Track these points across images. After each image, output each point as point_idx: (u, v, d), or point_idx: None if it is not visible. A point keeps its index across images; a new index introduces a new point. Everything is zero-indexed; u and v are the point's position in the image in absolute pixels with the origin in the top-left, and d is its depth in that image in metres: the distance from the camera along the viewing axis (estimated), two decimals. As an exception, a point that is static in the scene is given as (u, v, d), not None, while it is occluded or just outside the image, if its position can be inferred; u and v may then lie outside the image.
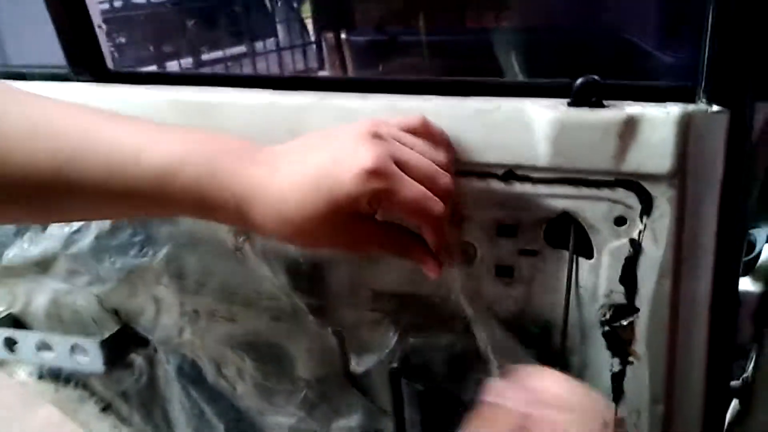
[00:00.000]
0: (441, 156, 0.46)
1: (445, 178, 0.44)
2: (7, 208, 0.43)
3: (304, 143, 0.44)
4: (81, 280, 0.70)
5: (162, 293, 0.67)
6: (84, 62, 0.63)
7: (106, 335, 0.70)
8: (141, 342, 0.73)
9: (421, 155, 0.43)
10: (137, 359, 0.77)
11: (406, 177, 0.41)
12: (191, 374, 0.74)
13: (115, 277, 0.68)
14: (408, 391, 0.56)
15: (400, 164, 0.41)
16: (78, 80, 0.65)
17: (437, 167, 0.44)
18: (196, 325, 0.67)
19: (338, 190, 0.38)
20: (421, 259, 0.45)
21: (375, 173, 0.38)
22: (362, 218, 0.42)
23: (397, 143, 0.42)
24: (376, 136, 0.41)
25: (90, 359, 0.70)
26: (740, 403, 0.64)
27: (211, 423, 0.77)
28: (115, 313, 0.71)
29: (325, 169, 0.39)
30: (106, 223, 0.67)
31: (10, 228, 0.72)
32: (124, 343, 0.72)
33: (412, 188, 0.41)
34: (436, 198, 0.42)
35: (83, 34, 0.62)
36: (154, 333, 0.70)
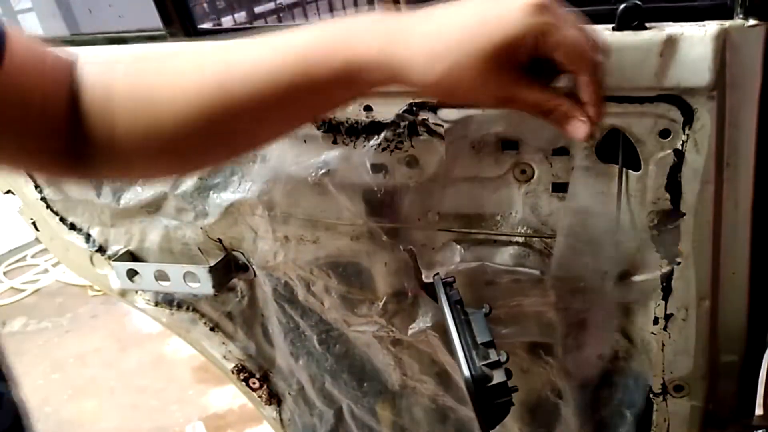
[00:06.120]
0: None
1: (599, 37, 0.43)
2: (183, 150, 0.48)
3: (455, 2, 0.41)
4: (188, 216, 0.81)
5: (257, 223, 0.78)
6: (177, 23, 0.72)
7: (213, 262, 0.81)
8: (242, 268, 0.84)
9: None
10: (239, 283, 0.88)
11: (569, 19, 0.40)
12: (285, 294, 0.85)
13: (217, 211, 0.78)
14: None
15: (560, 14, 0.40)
16: (172, 39, 0.73)
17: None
18: (287, 248, 0.77)
19: (504, 27, 0.38)
20: (569, 114, 0.43)
21: (541, 7, 0.38)
22: (514, 67, 0.40)
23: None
24: None
25: (201, 284, 0.82)
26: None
27: (305, 335, 0.88)
28: (219, 241, 0.82)
29: (488, 9, 0.39)
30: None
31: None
32: (228, 268, 0.83)
33: (575, 29, 0.40)
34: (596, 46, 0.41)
35: (175, -1, 0.70)
36: (254, 256, 0.81)
